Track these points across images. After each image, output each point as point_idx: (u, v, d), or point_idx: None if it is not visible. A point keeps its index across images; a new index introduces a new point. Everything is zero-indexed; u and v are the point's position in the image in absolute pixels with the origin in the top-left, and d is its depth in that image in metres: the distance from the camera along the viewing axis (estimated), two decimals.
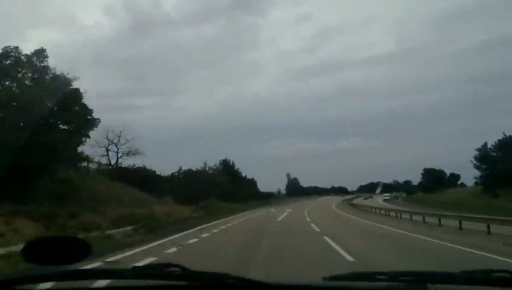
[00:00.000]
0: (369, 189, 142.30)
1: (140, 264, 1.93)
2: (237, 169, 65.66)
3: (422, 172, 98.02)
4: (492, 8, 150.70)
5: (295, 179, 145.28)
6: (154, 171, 38.25)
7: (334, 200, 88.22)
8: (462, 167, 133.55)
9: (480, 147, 62.84)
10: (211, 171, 55.18)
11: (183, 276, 1.60)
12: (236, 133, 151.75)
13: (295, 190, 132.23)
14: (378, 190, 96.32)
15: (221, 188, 48.54)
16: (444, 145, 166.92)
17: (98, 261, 7.95)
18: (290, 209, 42.01)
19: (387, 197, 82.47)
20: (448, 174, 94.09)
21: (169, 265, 1.69)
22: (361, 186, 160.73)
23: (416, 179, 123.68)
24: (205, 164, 53.62)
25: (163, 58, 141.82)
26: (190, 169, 48.41)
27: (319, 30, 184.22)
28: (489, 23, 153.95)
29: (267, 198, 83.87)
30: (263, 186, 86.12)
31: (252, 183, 75.68)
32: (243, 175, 69.63)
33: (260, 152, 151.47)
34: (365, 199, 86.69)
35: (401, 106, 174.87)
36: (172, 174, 43.40)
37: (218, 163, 61.09)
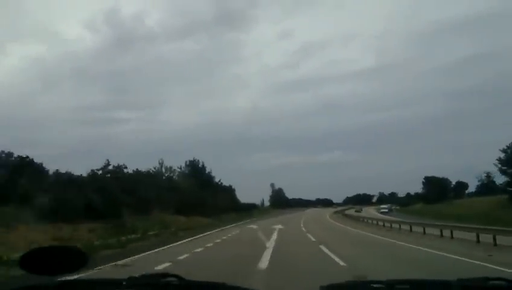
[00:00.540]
0: (356, 201, 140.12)
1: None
2: (209, 173, 51.73)
3: (423, 181, 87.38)
4: (469, 26, 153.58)
5: (280, 190, 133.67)
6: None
7: (326, 213, 77.21)
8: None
9: (506, 148, 51.74)
10: (171, 175, 41.18)
11: (180, 286, 1.63)
12: (220, 146, 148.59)
13: (280, 201, 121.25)
14: (374, 199, 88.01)
15: (183, 197, 35.38)
16: (425, 159, 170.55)
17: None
18: (280, 226, 29.05)
19: (385, 210, 70.12)
20: (454, 183, 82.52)
21: (166, 275, 1.71)
22: (347, 197, 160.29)
23: (404, 189, 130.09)
24: (161, 164, 39.59)
25: (146, 72, 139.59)
26: (123, 166, 30.81)
27: (301, 46, 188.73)
28: (467, 41, 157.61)
29: (249, 210, 70.87)
30: (245, 197, 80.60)
31: (229, 191, 62.21)
32: (218, 181, 56.36)
33: (244, 165, 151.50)
34: (357, 211, 74.94)
35: (382, 120, 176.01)
36: (93, 171, 26.98)
37: (183, 165, 47.51)
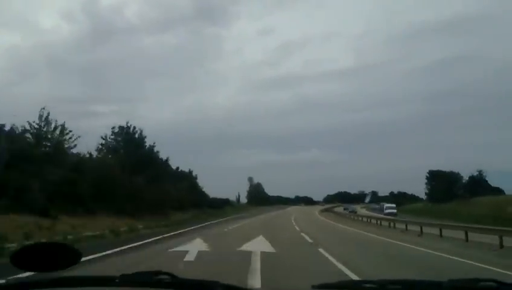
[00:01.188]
0: (338, 199, 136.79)
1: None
2: (151, 147, 33.10)
3: (427, 175, 74.02)
4: (447, 29, 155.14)
5: (258, 185, 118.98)
6: None
7: (314, 211, 63.60)
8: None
9: None
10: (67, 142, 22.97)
11: (173, 284, 1.60)
12: (198, 142, 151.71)
13: (259, 197, 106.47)
14: (367, 199, 77.11)
15: (95, 182, 19.84)
16: (402, 159, 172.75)
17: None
18: (265, 240, 13.95)
19: (393, 210, 55.59)
20: (466, 178, 68.91)
21: (158, 273, 1.69)
22: (328, 195, 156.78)
23: (384, 189, 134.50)
24: (45, 119, 20.99)
25: (124, 66, 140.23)
26: None
27: (282, 44, 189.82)
28: (445, 44, 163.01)
29: (220, 207, 55.50)
30: (221, 193, 75.02)
31: (189, 178, 46.20)
32: (176, 169, 40.61)
33: (222, 161, 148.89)
34: (351, 211, 61.72)
35: (361, 119, 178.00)
36: None
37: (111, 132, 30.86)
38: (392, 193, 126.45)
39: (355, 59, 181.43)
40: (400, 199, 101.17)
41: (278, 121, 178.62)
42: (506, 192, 62.51)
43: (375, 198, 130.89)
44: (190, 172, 49.01)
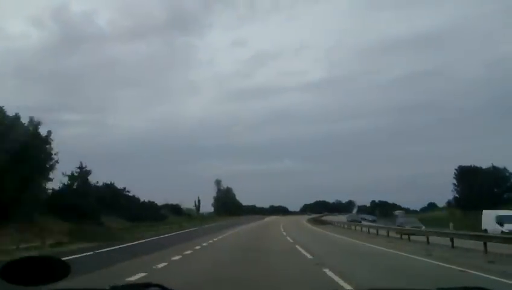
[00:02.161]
0: (320, 208, 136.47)
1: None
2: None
3: (456, 172, 54.65)
4: (417, 43, 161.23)
5: (229, 190, 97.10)
6: None
7: (311, 225, 43.76)
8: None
9: None
10: None
11: None
12: (170, 152, 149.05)
13: (229, 205, 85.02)
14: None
15: None
16: (376, 169, 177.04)
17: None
18: None
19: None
20: None
21: (148, 284, 1.69)
22: (306, 205, 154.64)
23: (360, 199, 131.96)
24: None
25: (95, 74, 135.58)
26: None
27: (255, 55, 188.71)
28: (415, 57, 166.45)
29: (160, 219, 33.01)
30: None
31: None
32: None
33: (194, 171, 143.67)
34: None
35: (333, 130, 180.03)
36: None
37: None
38: (373, 202, 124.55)
39: (328, 71, 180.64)
40: (385, 208, 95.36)
41: (251, 132, 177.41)
42: None
43: (357, 208, 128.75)
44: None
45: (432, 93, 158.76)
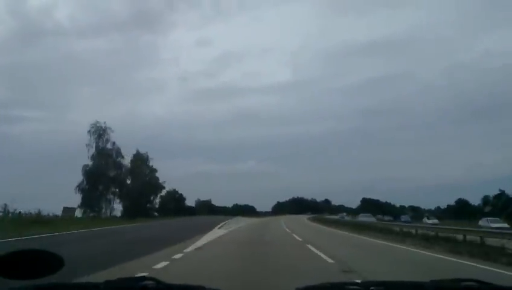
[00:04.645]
0: (297, 207, 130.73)
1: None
2: None
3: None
4: (378, 48, 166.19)
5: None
6: None
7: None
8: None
9: None
10: None
11: (158, 289, 1.59)
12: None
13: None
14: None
15: None
16: (333, 174, 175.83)
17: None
18: None
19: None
20: None
21: (143, 278, 1.69)
22: (279, 203, 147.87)
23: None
24: None
25: (54, 69, 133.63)
26: None
27: (220, 55, 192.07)
28: (377, 62, 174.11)
29: None
30: None
31: None
32: None
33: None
34: None
35: (297, 133, 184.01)
36: None
37: None
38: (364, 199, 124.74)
39: (293, 74, 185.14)
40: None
41: (215, 132, 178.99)
42: None
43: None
44: None
45: (392, 97, 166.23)
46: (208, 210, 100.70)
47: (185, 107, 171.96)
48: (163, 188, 68.24)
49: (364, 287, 1.61)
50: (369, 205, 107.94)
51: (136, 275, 1.82)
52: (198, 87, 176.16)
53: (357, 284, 1.68)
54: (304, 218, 68.45)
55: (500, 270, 9.17)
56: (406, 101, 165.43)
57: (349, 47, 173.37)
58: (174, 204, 79.54)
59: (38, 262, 1.70)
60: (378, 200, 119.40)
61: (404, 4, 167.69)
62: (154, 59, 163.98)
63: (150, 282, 1.60)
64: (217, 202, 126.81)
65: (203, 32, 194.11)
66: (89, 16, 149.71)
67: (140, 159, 62.12)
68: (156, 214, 65.86)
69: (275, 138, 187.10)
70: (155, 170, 64.30)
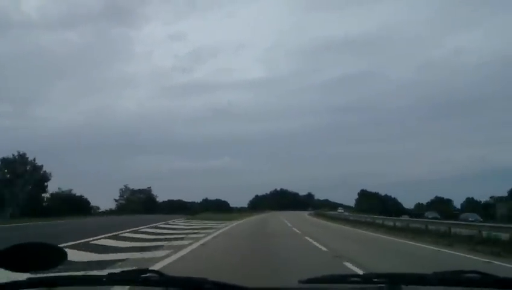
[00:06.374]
0: (280, 201, 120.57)
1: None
2: None
3: None
4: (352, 46, 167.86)
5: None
6: None
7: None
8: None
9: None
10: None
11: (161, 282, 1.59)
12: (102, 148, 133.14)
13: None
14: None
15: None
16: (311, 169, 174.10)
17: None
18: None
19: None
20: None
21: (146, 271, 1.69)
22: (257, 196, 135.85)
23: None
24: None
25: (19, 63, 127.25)
26: None
27: (194, 50, 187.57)
28: (350, 59, 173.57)
29: None
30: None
31: None
32: None
33: (126, 168, 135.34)
34: None
35: (271, 129, 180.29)
36: None
37: None
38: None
39: (267, 70, 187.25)
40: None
41: (188, 128, 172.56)
42: None
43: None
44: None
45: (364, 94, 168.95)
46: (149, 207, 75.48)
47: (157, 103, 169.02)
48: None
49: (366, 279, 1.63)
50: (369, 199, 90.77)
51: (139, 268, 1.66)
52: (172, 82, 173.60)
53: (358, 276, 1.70)
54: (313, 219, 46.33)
55: None
56: (377, 98, 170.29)
57: (321, 44, 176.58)
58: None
59: (41, 255, 1.70)
60: (377, 193, 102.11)
61: (376, 1, 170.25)
62: (126, 53, 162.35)
63: (153, 274, 1.62)
64: (188, 198, 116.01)
65: (177, 26, 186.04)
66: (58, 7, 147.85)
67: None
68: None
69: (250, 134, 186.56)
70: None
